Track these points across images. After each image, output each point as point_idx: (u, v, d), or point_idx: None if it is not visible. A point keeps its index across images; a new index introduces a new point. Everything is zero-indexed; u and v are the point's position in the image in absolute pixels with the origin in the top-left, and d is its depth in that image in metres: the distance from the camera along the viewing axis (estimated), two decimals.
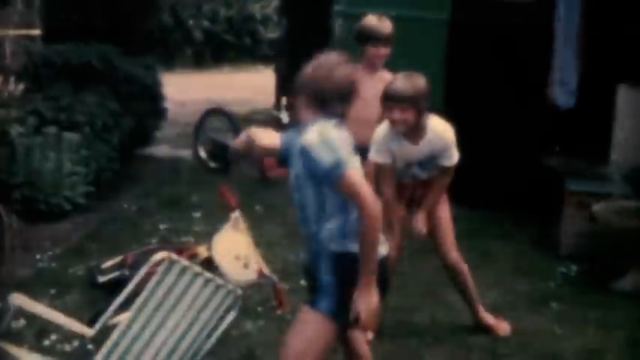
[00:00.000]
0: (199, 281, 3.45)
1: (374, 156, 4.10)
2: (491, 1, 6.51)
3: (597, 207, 5.21)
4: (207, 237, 4.58)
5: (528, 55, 6.35)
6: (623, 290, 4.96)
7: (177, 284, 3.41)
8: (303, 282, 4.94)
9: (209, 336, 3.41)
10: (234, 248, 4.16)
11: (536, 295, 4.89)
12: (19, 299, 3.36)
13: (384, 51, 4.52)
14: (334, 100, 2.93)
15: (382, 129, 4.08)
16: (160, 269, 3.37)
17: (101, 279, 4.67)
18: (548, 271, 5.32)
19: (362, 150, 3.35)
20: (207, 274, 3.49)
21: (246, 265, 4.13)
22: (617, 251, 5.08)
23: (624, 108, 6.02)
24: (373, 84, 4.24)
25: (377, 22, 4.51)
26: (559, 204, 5.65)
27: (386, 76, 4.37)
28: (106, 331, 3.25)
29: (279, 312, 4.34)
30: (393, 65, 6.80)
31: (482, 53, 6.52)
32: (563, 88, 6.24)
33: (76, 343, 3.89)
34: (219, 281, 3.48)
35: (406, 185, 4.24)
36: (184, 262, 3.47)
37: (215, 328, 3.41)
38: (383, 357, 3.97)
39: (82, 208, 6.27)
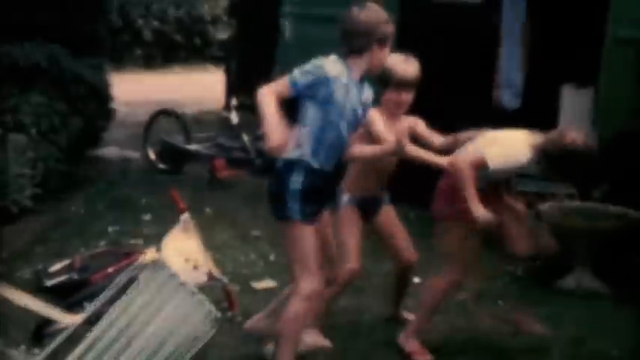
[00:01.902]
0: (183, 292, 3.34)
1: (492, 158, 3.79)
2: (440, 3, 6.55)
3: (543, 207, 5.28)
4: (156, 239, 4.52)
5: (476, 57, 6.40)
6: (568, 288, 5.03)
7: (161, 291, 3.32)
8: (253, 283, 4.93)
9: (182, 353, 3.31)
10: (184, 250, 4.14)
11: (484, 293, 4.92)
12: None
13: (408, 97, 3.97)
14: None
15: (524, 144, 3.83)
16: (144, 273, 3.29)
17: (48, 282, 4.57)
18: (495, 269, 5.36)
19: (369, 200, 3.87)
20: (192, 287, 3.36)
21: (196, 268, 4.13)
22: (562, 250, 5.15)
23: (568, 109, 6.12)
24: (392, 133, 3.79)
25: (404, 64, 3.95)
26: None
27: (405, 122, 4.03)
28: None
29: (230, 313, 4.32)
30: None
31: (430, 55, 6.53)
32: (508, 90, 6.32)
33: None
34: (201, 297, 3.37)
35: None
36: (171, 269, 3.36)
37: (190, 345, 3.31)
38: (333, 358, 3.97)
39: (29, 211, 6.14)
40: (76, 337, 3.31)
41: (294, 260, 3.47)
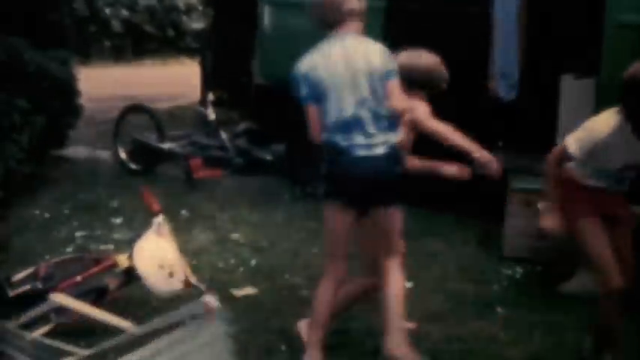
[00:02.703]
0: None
1: (571, 143, 3.79)
2: None
3: (542, 205, 5.26)
4: (128, 245, 4.49)
5: (469, 46, 6.39)
6: (571, 293, 5.02)
7: (208, 345, 3.34)
8: (233, 291, 4.89)
9: None
10: (158, 256, 4.11)
11: (480, 298, 4.92)
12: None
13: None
14: None
15: (606, 119, 3.73)
16: (203, 323, 3.32)
17: (11, 292, 4.51)
18: (492, 273, 5.37)
19: None
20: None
21: (171, 274, 4.10)
22: (564, 252, 5.14)
23: (568, 100, 6.12)
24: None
25: (438, 63, 4.13)
26: (502, 203, 5.70)
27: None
28: None
29: (207, 323, 4.26)
30: None
31: (421, 43, 6.53)
32: (504, 81, 6.31)
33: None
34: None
35: (601, 193, 3.89)
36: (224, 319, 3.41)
37: None
38: None
39: None
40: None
41: (398, 232, 3.88)
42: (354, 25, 3.84)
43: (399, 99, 3.76)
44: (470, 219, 6.25)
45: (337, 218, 3.81)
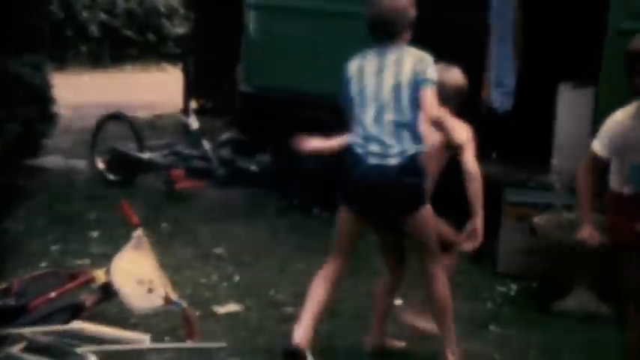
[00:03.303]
0: None
1: (595, 144, 3.81)
2: None
3: (538, 219, 5.31)
4: (105, 259, 4.49)
5: (460, 53, 6.43)
6: (567, 311, 5.04)
7: None
8: (215, 307, 4.90)
9: None
10: (137, 271, 4.12)
11: (473, 317, 4.94)
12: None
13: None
14: None
15: (624, 109, 3.74)
16: None
17: None
18: (485, 290, 5.40)
19: None
20: None
21: (150, 290, 4.11)
22: (560, 268, 5.17)
23: (565, 110, 6.17)
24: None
25: (465, 81, 4.34)
26: (496, 216, 5.73)
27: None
28: None
29: (188, 341, 4.28)
30: (308, 63, 6.94)
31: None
32: (499, 90, 6.35)
33: None
34: None
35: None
36: None
37: None
38: None
39: None
40: None
41: (432, 240, 4.02)
42: (408, 36, 4.03)
43: (432, 107, 3.85)
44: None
45: (343, 221, 4.05)
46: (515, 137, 6.46)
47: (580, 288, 5.10)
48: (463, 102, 4.28)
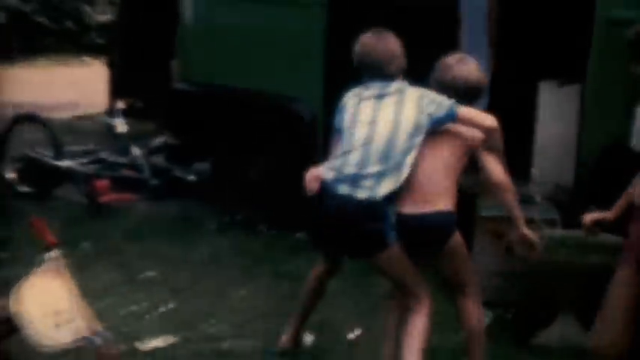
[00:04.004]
0: None
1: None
2: None
3: (516, 236, 5.36)
4: (13, 285, 4.44)
5: (428, 46, 6.49)
6: (549, 345, 5.08)
7: None
8: (143, 342, 4.89)
9: None
10: (51, 300, 4.09)
11: (442, 348, 4.97)
12: None
13: None
14: None
15: None
16: None
17: None
18: (455, 319, 5.38)
19: None
20: None
21: (68, 321, 4.07)
22: (542, 294, 5.23)
23: (547, 111, 6.26)
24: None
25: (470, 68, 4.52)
26: (468, 233, 5.79)
27: None
28: None
29: None
30: (256, 57, 6.95)
31: None
32: None
33: None
34: None
35: None
36: None
37: None
38: None
39: None
40: None
41: (406, 278, 4.28)
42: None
43: (483, 119, 4.35)
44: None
45: None
46: None
47: (564, 317, 5.15)
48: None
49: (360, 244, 4.16)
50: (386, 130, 4.10)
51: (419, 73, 6.48)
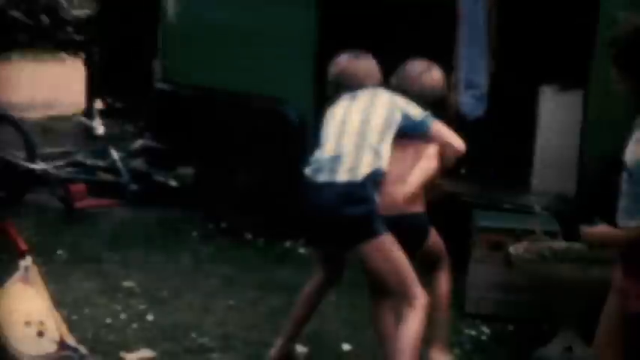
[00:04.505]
0: None
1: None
2: None
3: (514, 248, 5.36)
4: None
5: (424, 49, 6.48)
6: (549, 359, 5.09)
7: None
8: (123, 354, 4.87)
9: None
10: (25, 310, 4.07)
11: None
12: None
13: None
14: None
15: None
16: None
17: None
18: (452, 334, 5.41)
19: None
20: None
21: (40, 333, 4.06)
22: (542, 307, 5.22)
23: (548, 117, 6.26)
24: None
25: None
26: (465, 245, 5.78)
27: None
28: None
29: None
30: (241, 56, 6.94)
31: (363, 43, 6.61)
32: (469, 92, 6.42)
33: None
34: None
35: None
36: None
37: None
38: None
39: None
40: None
41: (397, 276, 4.27)
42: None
43: (455, 139, 4.60)
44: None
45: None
46: (489, 149, 6.53)
47: (565, 332, 5.15)
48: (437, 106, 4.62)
49: (344, 231, 4.25)
50: (358, 120, 4.35)
51: None
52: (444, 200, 6.05)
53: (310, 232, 4.59)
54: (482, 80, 6.46)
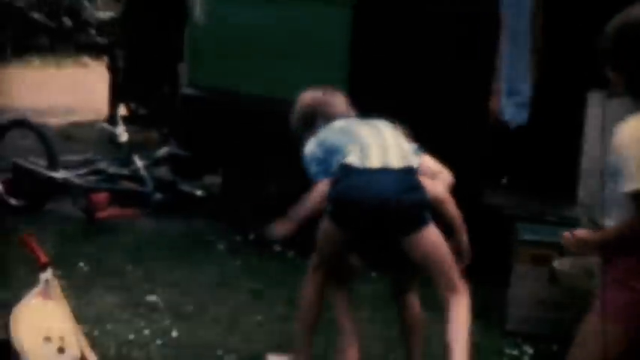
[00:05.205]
0: None
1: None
2: None
3: (559, 263, 5.35)
4: (3, 309, 4.45)
5: (465, 55, 6.47)
6: None
7: None
8: None
9: None
10: (44, 325, 4.09)
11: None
12: None
13: None
14: None
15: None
16: None
17: None
18: (492, 354, 5.40)
19: None
20: None
21: (61, 350, 4.07)
22: None
23: (595, 125, 6.23)
24: None
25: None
26: (506, 259, 5.77)
27: None
28: None
29: None
30: (272, 60, 6.94)
31: (400, 50, 6.63)
32: (512, 99, 6.41)
33: None
34: None
35: None
36: None
37: None
38: None
39: None
40: None
41: (445, 263, 4.37)
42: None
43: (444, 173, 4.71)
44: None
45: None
46: (532, 159, 6.51)
47: None
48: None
49: (397, 220, 4.28)
50: (387, 131, 4.53)
51: (452, 84, 6.54)
52: (484, 213, 6.08)
53: (354, 225, 4.41)
54: (525, 87, 6.45)
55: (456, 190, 6.48)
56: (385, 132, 4.51)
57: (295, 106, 4.93)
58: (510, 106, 6.42)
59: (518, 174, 6.56)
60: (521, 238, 5.76)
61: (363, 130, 4.51)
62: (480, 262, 6.04)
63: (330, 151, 4.48)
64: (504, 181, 6.58)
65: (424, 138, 6.61)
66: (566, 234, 3.58)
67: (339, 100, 4.87)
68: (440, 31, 6.46)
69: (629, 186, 3.32)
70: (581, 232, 3.58)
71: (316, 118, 4.78)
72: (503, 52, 6.41)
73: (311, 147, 4.59)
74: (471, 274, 6.19)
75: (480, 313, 5.88)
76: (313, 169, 4.56)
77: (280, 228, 4.63)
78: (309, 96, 4.90)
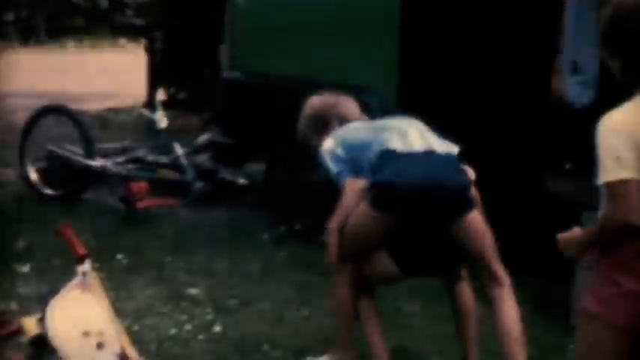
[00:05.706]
0: None
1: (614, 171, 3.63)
2: None
3: None
4: (39, 303, 4.46)
5: (523, 30, 6.42)
6: None
7: None
8: None
9: None
10: (82, 319, 4.10)
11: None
12: None
13: None
14: None
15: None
16: None
17: None
18: (555, 351, 5.36)
19: None
20: None
21: (100, 345, 4.09)
22: None
23: None
24: None
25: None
26: None
27: None
28: None
29: None
30: (330, 40, 6.92)
31: (453, 26, 6.58)
32: (576, 77, 6.34)
33: None
34: None
35: None
36: None
37: None
38: None
39: None
40: None
41: (491, 250, 4.45)
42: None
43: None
44: (524, 273, 6.23)
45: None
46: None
47: None
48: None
49: (448, 201, 4.36)
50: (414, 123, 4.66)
51: (510, 63, 6.47)
52: (547, 200, 6.01)
53: (402, 209, 4.41)
54: (591, 65, 6.36)
55: (516, 177, 6.46)
56: (414, 123, 4.62)
57: (304, 111, 5.12)
58: (574, 85, 6.34)
59: (584, 159, 6.46)
60: (587, 227, 5.68)
61: (393, 122, 4.66)
62: (543, 253, 6.00)
63: (357, 149, 4.61)
64: (568, 166, 6.50)
65: (481, 121, 6.58)
66: (560, 235, 3.62)
67: (352, 104, 5.05)
68: (496, 5, 6.40)
69: (603, 177, 3.39)
70: (567, 233, 3.61)
71: (330, 122, 4.94)
72: (566, 29, 6.34)
73: (331, 146, 4.74)
74: (532, 265, 6.19)
75: (542, 307, 5.85)
76: (336, 168, 4.70)
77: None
78: (319, 100, 5.10)
